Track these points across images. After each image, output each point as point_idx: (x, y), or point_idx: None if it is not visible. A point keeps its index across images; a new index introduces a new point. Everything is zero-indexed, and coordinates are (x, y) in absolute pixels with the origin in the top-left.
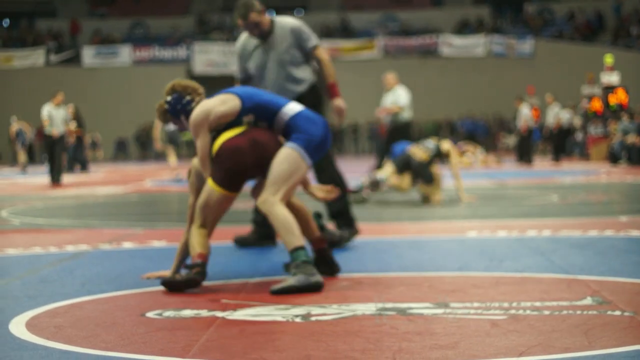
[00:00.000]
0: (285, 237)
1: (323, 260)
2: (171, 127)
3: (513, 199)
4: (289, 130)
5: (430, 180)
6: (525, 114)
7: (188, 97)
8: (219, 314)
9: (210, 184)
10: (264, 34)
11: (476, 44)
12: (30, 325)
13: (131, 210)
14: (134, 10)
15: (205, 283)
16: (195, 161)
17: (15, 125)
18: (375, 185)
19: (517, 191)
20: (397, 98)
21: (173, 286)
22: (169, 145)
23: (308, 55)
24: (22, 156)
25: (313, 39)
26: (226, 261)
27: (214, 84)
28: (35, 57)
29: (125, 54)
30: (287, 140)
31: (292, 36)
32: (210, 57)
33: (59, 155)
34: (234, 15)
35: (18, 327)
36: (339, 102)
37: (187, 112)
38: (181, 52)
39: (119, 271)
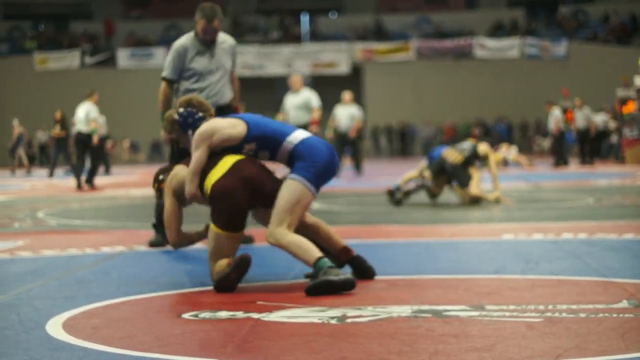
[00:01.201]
0: (303, 256)
1: (357, 267)
2: None
3: (548, 201)
4: (293, 158)
5: (466, 183)
6: (557, 115)
7: (201, 114)
8: (255, 315)
9: (214, 229)
10: (212, 42)
11: (510, 46)
12: (67, 326)
13: None
14: (169, 12)
15: (241, 284)
16: (178, 168)
17: (17, 129)
18: (419, 187)
19: (552, 194)
20: (308, 101)
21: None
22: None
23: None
24: (16, 160)
25: None
26: (261, 263)
27: (248, 86)
28: (70, 59)
29: (160, 55)
30: (291, 168)
31: (231, 51)
32: (244, 59)
33: (97, 156)
34: (197, 14)
35: (55, 328)
36: None
37: (195, 129)
38: None
39: (154, 272)
